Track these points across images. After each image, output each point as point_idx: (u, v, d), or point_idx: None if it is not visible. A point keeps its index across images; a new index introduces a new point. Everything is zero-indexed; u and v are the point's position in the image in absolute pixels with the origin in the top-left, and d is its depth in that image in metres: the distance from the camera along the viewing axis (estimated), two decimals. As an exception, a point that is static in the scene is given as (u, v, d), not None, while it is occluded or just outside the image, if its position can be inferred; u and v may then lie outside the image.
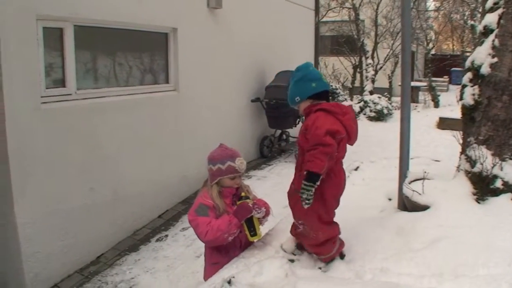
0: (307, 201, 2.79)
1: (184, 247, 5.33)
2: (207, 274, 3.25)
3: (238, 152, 3.20)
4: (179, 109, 6.45)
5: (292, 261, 3.16)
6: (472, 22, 17.38)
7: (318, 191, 2.84)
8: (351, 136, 3.02)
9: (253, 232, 3.15)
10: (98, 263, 5.06)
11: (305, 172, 2.80)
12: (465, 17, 20.78)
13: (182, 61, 6.46)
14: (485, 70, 3.89)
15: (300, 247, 3.33)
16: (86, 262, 5.00)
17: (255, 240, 3.26)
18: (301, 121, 8.90)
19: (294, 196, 3.02)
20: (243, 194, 3.18)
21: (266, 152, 8.98)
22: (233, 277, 2.81)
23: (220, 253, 3.22)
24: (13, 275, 4.41)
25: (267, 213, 3.24)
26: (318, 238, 3.02)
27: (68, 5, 4.65)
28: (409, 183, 4.00)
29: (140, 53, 6.05)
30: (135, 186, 5.63)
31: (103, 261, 5.10)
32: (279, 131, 9.27)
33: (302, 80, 3.08)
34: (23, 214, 4.27)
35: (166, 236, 5.66)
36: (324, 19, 16.50)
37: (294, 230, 3.29)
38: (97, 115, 5.08)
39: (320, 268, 3.12)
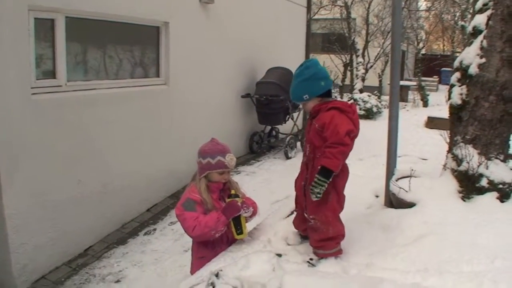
0: (318, 195, 2.88)
1: (172, 241, 5.35)
2: (194, 268, 3.28)
3: (229, 148, 3.23)
4: (169, 103, 6.45)
5: (279, 255, 3.19)
6: (463, 23, 17.55)
7: (331, 184, 2.95)
8: (357, 134, 3.07)
9: (240, 230, 3.19)
10: (86, 256, 5.06)
11: (319, 167, 2.88)
12: (456, 18, 20.94)
13: (173, 55, 6.46)
14: (473, 70, 3.94)
15: (304, 238, 3.41)
16: (74, 254, 5.00)
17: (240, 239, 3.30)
18: (291, 117, 8.93)
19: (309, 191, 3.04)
20: (233, 192, 3.21)
21: (256, 148, 9.01)
22: (221, 270, 2.83)
23: (206, 247, 3.25)
24: (0, 266, 4.41)
25: (255, 212, 3.29)
26: (328, 233, 3.07)
27: (60, -4, 4.64)
28: (396, 181, 4.05)
29: (131, 46, 6.05)
30: (124, 179, 5.63)
31: (91, 254, 5.10)
32: (268, 127, 9.31)
33: (311, 78, 3.06)
34: (11, 205, 4.26)
35: (154, 230, 5.67)
36: (316, 17, 16.54)
37: (298, 223, 3.37)
38: (87, 107, 5.07)
39: (307, 262, 3.15)
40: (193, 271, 3.29)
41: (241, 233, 3.20)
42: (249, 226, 3.43)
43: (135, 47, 6.11)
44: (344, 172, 3.13)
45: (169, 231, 5.60)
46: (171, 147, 6.47)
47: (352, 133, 2.93)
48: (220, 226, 3.06)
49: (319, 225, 3.07)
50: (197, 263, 3.27)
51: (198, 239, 3.17)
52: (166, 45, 6.39)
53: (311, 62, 3.14)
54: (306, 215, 3.14)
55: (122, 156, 5.59)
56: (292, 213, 3.74)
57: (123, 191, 5.62)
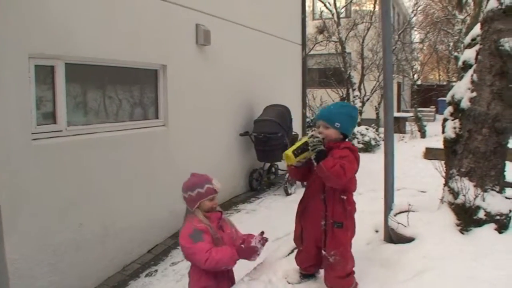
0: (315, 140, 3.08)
1: (173, 282, 5.32)
2: None
3: (210, 175, 3.43)
4: (169, 144, 6.52)
5: (281, 294, 3.20)
6: (456, 54, 17.78)
7: (350, 218, 3.25)
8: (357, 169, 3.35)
9: (297, 153, 3.18)
10: (87, 299, 5.03)
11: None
12: (450, 48, 21.22)
13: (171, 97, 6.57)
14: (465, 104, 4.02)
15: (305, 276, 3.49)
16: (76, 299, 4.98)
17: (288, 162, 3.27)
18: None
19: (331, 229, 3.21)
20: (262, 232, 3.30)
21: (255, 185, 9.03)
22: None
23: (209, 277, 3.26)
24: (1, 313, 4.39)
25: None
26: (346, 269, 3.19)
27: (60, 44, 4.74)
28: (395, 215, 4.08)
29: (130, 89, 6.15)
30: (125, 221, 5.64)
31: (93, 297, 5.08)
32: (268, 164, 9.34)
33: (351, 118, 3.31)
34: (14, 250, 4.26)
35: (156, 271, 5.65)
36: (312, 52, 16.81)
37: (302, 259, 3.43)
38: (87, 151, 5.13)
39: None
40: None
41: (295, 156, 3.18)
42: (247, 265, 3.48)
43: (134, 89, 6.21)
44: (353, 211, 3.36)
45: (170, 272, 5.57)
46: (171, 188, 6.47)
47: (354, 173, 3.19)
48: (232, 263, 3.14)
49: (339, 260, 3.16)
50: None
51: (210, 270, 3.17)
52: (164, 87, 6.50)
53: (356, 110, 3.45)
54: (325, 252, 3.20)
55: (123, 198, 5.62)
56: (292, 251, 3.76)
57: (123, 233, 5.63)
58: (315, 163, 3.05)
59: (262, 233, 3.36)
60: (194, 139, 7.08)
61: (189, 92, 6.95)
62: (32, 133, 4.54)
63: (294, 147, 3.19)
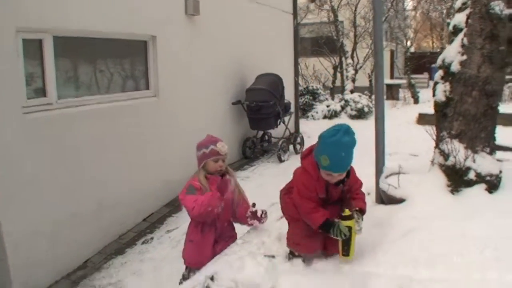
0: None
1: (169, 248, 5.39)
2: (184, 252, 3.70)
3: (220, 139, 3.60)
4: (160, 115, 6.51)
5: (273, 256, 3.25)
6: (449, 21, 17.67)
7: None
8: None
9: (346, 252, 3.00)
10: (85, 268, 5.11)
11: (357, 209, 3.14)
12: (443, 15, 21.06)
13: (161, 68, 6.54)
14: (455, 67, 4.02)
15: None
16: (73, 267, 5.04)
17: (344, 261, 3.05)
18: (283, 121, 9.02)
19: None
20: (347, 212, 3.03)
21: (249, 153, 9.09)
22: (216, 273, 2.90)
23: (196, 232, 3.57)
24: (0, 284, 4.45)
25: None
26: None
27: (47, 17, 4.70)
28: (386, 178, 4.12)
29: (120, 61, 6.12)
30: (119, 192, 5.68)
31: (90, 265, 5.14)
32: (261, 132, 9.39)
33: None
34: (9, 223, 4.30)
35: (152, 238, 5.72)
36: (304, 21, 16.63)
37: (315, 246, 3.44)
38: (78, 123, 5.12)
39: (302, 261, 3.21)
40: (184, 254, 3.72)
41: (347, 254, 3.00)
42: (243, 228, 3.56)
43: (124, 61, 6.18)
44: None
45: (166, 239, 5.65)
46: (164, 158, 6.52)
47: None
48: (215, 202, 3.33)
49: None
50: (187, 246, 3.66)
51: (200, 218, 3.42)
52: (154, 58, 6.47)
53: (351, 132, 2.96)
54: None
55: (116, 169, 5.64)
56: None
57: (119, 204, 5.67)
58: None
59: (254, 204, 3.72)
60: (186, 109, 7.08)
61: (180, 62, 6.92)
62: (23, 107, 4.53)
63: (351, 250, 3.00)
